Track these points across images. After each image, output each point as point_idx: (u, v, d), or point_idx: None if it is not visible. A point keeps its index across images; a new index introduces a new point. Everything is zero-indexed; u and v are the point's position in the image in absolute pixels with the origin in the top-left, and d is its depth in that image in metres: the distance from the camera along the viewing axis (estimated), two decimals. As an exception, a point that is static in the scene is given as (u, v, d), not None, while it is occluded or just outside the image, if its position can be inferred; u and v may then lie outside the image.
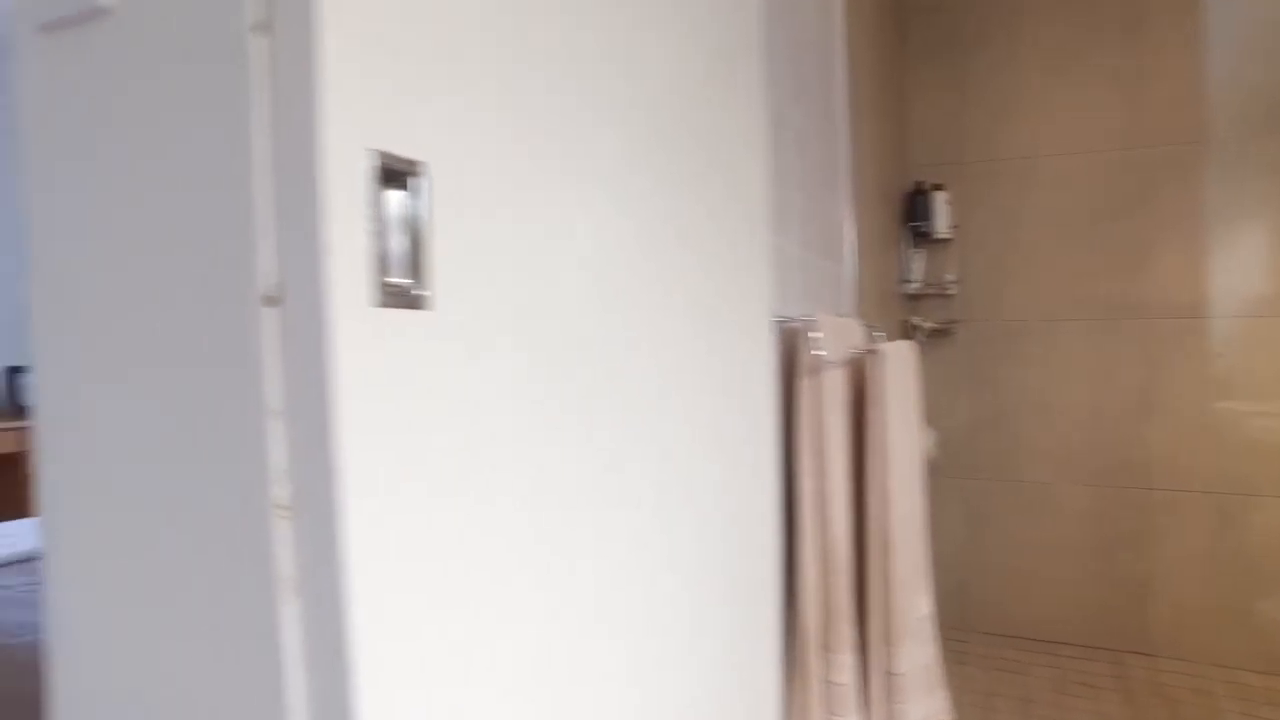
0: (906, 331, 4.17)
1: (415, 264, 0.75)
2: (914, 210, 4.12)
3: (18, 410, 4.48)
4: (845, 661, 1.81)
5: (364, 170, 0.70)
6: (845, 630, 1.81)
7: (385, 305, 0.72)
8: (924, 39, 4.25)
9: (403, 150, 0.74)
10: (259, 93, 0.68)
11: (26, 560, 2.27)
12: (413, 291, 0.75)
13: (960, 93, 4.16)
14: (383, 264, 0.72)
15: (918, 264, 4.26)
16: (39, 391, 0.82)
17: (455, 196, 0.80)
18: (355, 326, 0.69)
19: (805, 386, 1.79)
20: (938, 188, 4.12)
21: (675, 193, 1.28)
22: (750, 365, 1.60)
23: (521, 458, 0.88)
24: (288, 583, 0.68)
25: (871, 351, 1.91)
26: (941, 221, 4.10)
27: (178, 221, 0.72)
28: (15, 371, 4.48)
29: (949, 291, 4.23)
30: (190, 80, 0.70)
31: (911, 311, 4.29)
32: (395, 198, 0.73)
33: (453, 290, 0.80)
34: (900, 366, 1.95)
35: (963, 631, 4.20)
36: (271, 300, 0.69)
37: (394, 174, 0.73)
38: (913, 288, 4.25)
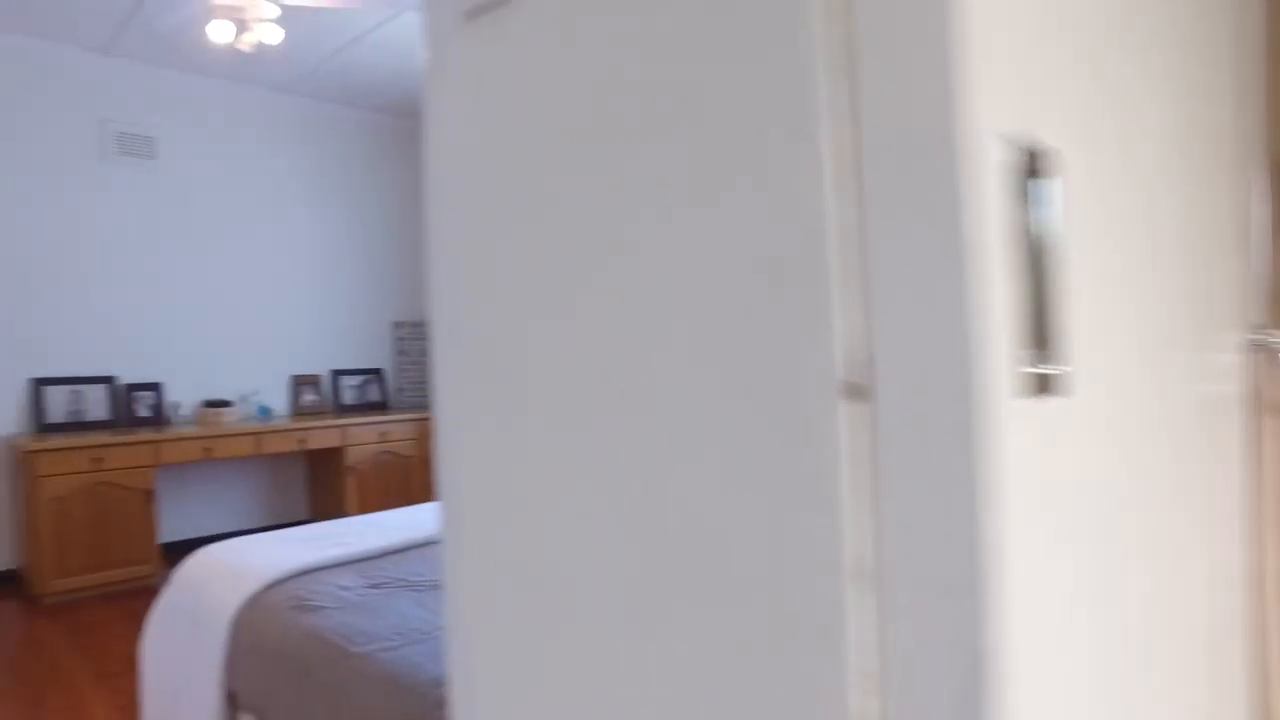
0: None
1: (1045, 320, 0.47)
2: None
3: (341, 409, 4.95)
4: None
5: (1000, 173, 0.43)
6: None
7: (1023, 392, 0.44)
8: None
9: (1041, 141, 0.46)
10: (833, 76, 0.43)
11: (373, 558, 2.32)
12: (1049, 367, 0.46)
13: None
14: (1025, 328, 0.45)
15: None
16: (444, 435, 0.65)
17: (1090, 215, 0.51)
18: (994, 425, 0.42)
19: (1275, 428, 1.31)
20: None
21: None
22: (1218, 400, 1.17)
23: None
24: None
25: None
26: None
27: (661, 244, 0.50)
28: (339, 375, 4.96)
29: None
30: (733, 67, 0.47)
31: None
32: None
33: (1093, 355, 0.51)
34: None
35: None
36: (857, 391, 0.44)
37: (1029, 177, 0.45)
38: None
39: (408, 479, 4.83)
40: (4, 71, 3.95)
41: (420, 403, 5.36)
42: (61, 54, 4.07)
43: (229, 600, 1.87)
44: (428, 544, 2.23)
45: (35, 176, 4.04)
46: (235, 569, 2.02)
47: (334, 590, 1.85)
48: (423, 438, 4.88)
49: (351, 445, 4.58)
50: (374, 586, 1.90)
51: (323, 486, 4.85)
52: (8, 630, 3.41)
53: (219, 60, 4.27)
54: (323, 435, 4.47)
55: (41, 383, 4.03)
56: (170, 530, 4.39)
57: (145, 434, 3.96)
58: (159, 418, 4.33)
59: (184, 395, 4.49)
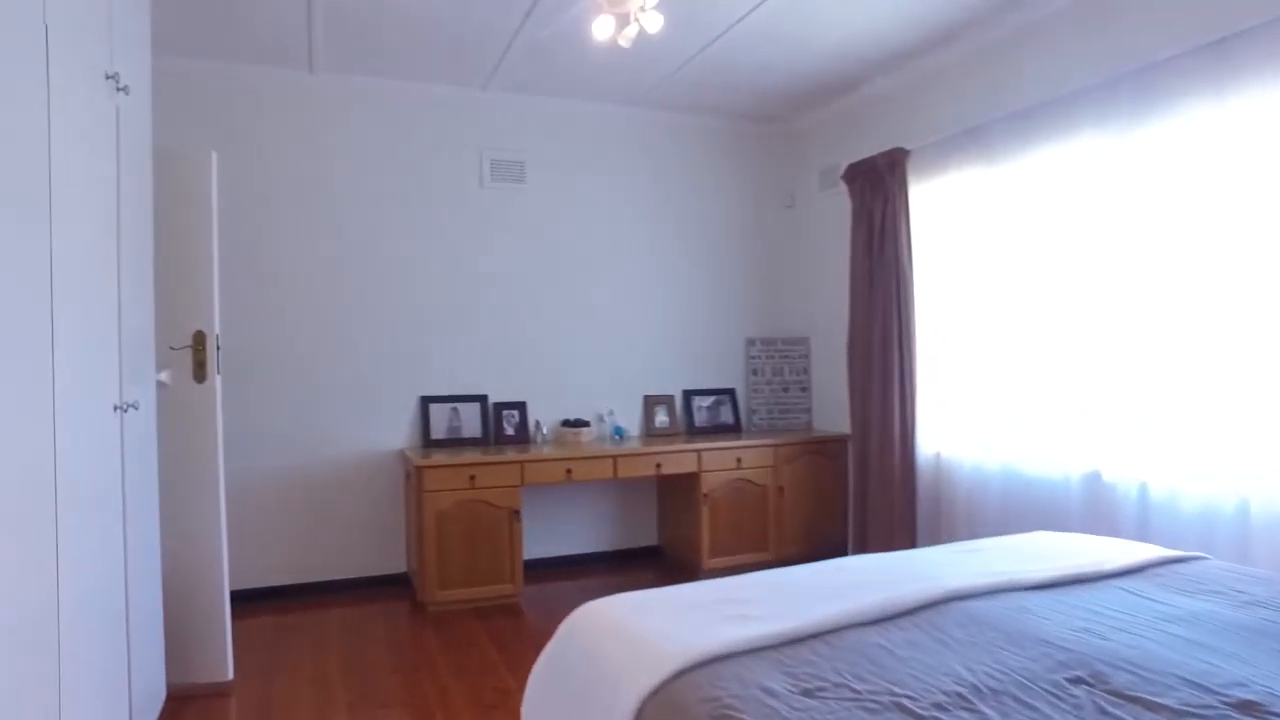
0: None
1: None
2: None
3: (692, 431, 4.69)
4: None
5: None
6: None
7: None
8: None
9: None
10: None
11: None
12: None
13: None
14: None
15: None
16: None
17: None
18: None
19: None
20: None
21: None
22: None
23: None
24: None
25: None
26: None
27: None
28: (691, 395, 4.72)
29: None
30: None
31: None
32: None
33: None
34: None
35: None
36: None
37: None
38: None
39: (762, 512, 4.41)
40: (401, 112, 4.23)
41: (774, 425, 4.94)
42: (448, 94, 4.28)
43: (629, 687, 1.50)
44: (850, 627, 1.71)
45: (422, 208, 4.27)
46: (634, 640, 1.67)
47: (758, 697, 1.39)
48: (779, 466, 4.44)
49: (707, 471, 4.27)
50: (807, 694, 1.41)
51: (674, 514, 4.60)
52: (401, 633, 3.54)
53: (583, 79, 4.22)
54: (677, 460, 4.21)
55: (428, 400, 4.23)
56: (527, 548, 4.41)
57: (512, 453, 3.97)
58: (523, 436, 4.36)
59: (545, 414, 4.50)
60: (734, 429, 4.87)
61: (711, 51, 3.91)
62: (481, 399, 4.33)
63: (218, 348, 2.82)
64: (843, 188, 4.54)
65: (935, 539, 3.87)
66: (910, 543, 3.95)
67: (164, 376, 2.72)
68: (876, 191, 4.19)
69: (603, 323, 4.66)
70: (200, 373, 2.78)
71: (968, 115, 3.74)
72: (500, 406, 4.36)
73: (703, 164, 4.93)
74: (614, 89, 4.42)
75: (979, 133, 3.64)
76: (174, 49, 3.67)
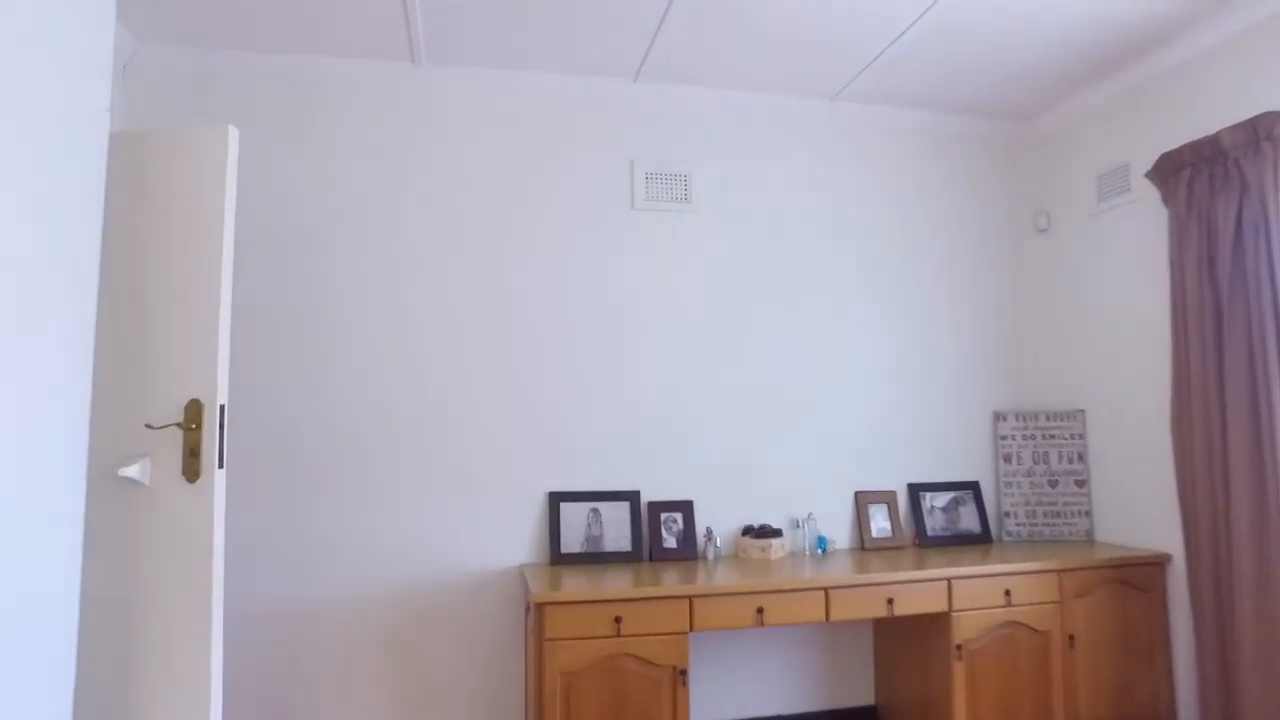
0: None
1: None
2: None
3: (925, 541, 3.30)
4: None
5: None
6: None
7: None
8: None
9: None
10: None
11: None
12: None
13: None
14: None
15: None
16: None
17: None
18: None
19: None
20: None
21: None
22: None
23: None
24: None
25: None
26: None
27: None
28: (919, 491, 3.36)
29: None
30: None
31: None
32: None
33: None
34: None
35: None
36: None
37: None
38: None
39: (1044, 672, 2.92)
40: (521, 112, 3.24)
41: (1038, 535, 3.45)
42: (586, 88, 3.27)
43: None
44: None
45: (550, 237, 3.22)
46: None
47: None
48: (1065, 601, 2.95)
49: (962, 611, 2.85)
50: None
51: (904, 666, 3.18)
52: None
53: (763, 65, 3.10)
54: (919, 593, 2.82)
55: (558, 498, 3.09)
56: (696, 708, 3.12)
57: (675, 581, 2.73)
58: (689, 549, 3.12)
59: (719, 518, 3.26)
60: (981, 539, 3.43)
61: (930, 23, 2.69)
62: (632, 497, 3.15)
63: (222, 426, 1.79)
64: (1139, 194, 3.14)
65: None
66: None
67: (134, 472, 1.72)
68: (1223, 185, 2.76)
69: (796, 392, 3.39)
70: (192, 465, 1.75)
71: None
72: (657, 508, 3.16)
73: (924, 177, 3.65)
74: (805, 78, 3.26)
75: None
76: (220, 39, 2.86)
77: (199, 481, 1.75)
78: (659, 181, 3.33)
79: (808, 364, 3.42)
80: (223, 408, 1.79)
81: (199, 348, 1.77)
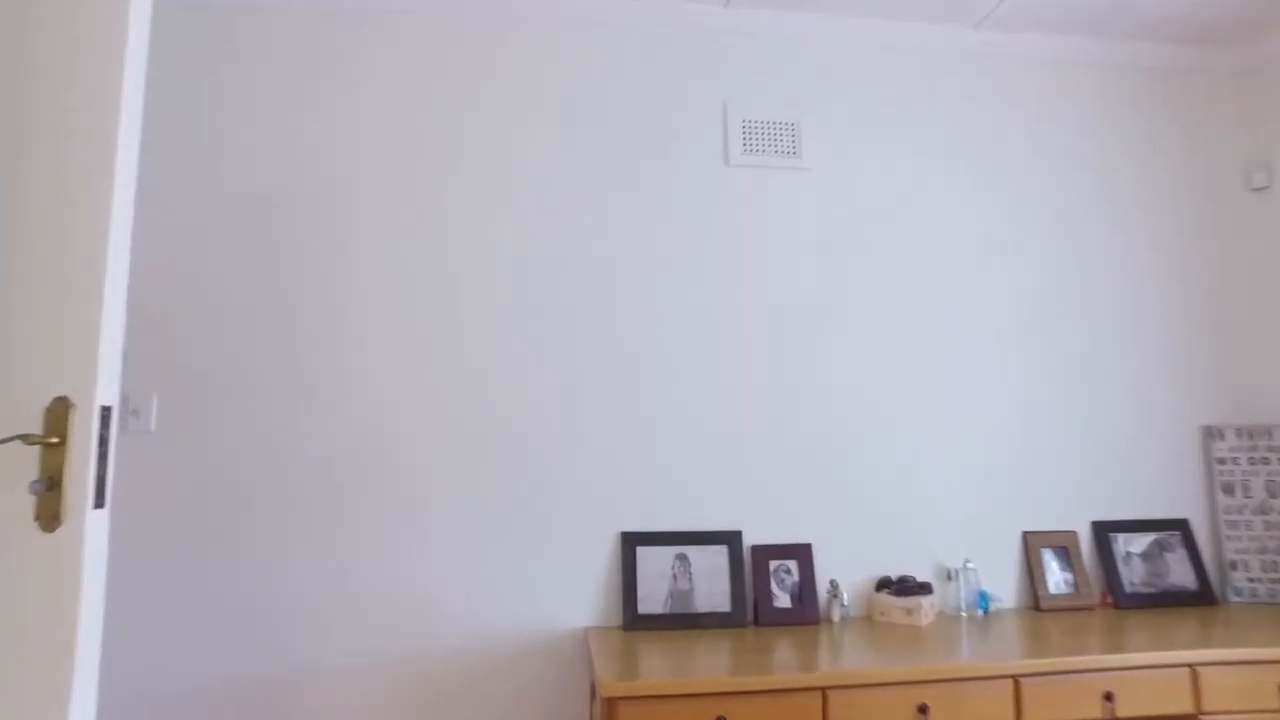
0: None
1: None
2: None
3: (1121, 598, 2.45)
4: None
5: None
6: None
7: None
8: None
9: None
10: None
11: None
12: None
13: None
14: None
15: None
16: None
17: None
18: None
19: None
20: None
21: None
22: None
23: None
24: None
25: None
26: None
27: None
28: (1106, 531, 2.50)
29: None
30: None
31: None
32: None
33: None
34: None
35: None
36: None
37: None
38: None
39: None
40: (584, 47, 2.56)
41: (1278, 593, 2.56)
42: (667, 12, 2.57)
43: None
44: None
45: (624, 202, 2.51)
46: None
47: None
48: (1351, 694, 2.06)
49: (1212, 716, 1.99)
50: None
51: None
52: None
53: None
54: (1146, 683, 1.97)
55: (634, 540, 2.35)
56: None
57: (793, 666, 1.95)
58: (808, 609, 2.34)
59: (845, 566, 2.47)
60: (1198, 598, 2.55)
61: None
62: (730, 539, 2.39)
63: (104, 441, 1.12)
64: None
65: None
66: None
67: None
68: None
69: (942, 401, 2.59)
70: (49, 504, 1.08)
71: None
72: (765, 553, 2.39)
73: (1098, 122, 2.83)
74: (940, 1, 2.50)
75: None
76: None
77: (60, 530, 1.07)
78: (760, 131, 2.60)
79: (954, 365, 2.62)
80: (107, 411, 1.12)
81: (70, 311, 1.11)
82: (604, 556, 2.35)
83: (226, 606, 2.17)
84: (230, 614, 2.17)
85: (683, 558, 2.33)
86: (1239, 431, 2.69)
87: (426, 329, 2.35)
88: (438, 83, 2.46)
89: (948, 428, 2.58)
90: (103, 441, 1.11)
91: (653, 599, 2.28)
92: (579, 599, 2.32)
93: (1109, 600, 2.54)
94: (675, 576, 2.31)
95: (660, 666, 1.88)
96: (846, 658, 1.95)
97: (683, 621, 2.27)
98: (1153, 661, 1.97)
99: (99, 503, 1.11)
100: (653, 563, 2.32)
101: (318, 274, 2.33)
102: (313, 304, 2.32)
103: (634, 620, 2.26)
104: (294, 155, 2.37)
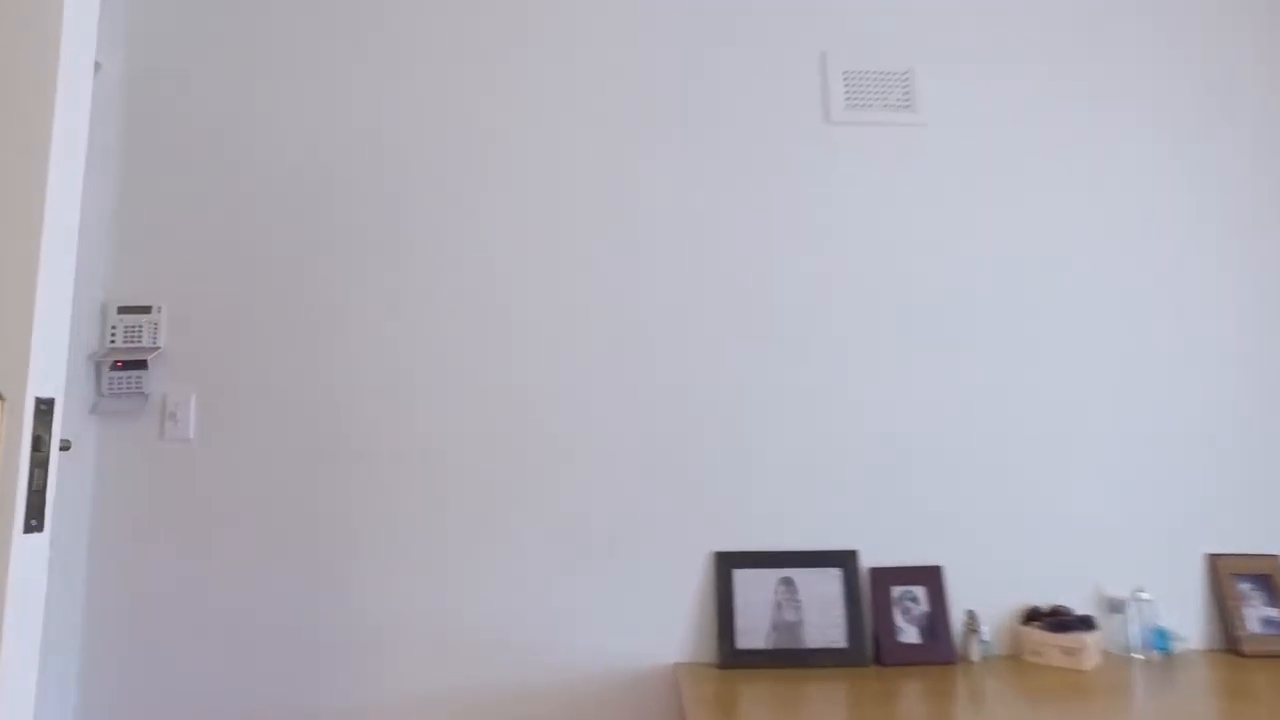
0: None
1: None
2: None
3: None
4: None
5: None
6: None
7: None
8: None
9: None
10: None
11: None
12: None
13: None
14: None
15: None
16: None
17: None
18: None
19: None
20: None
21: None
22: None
23: None
24: None
25: None
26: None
27: None
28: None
29: None
30: None
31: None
32: None
33: None
34: None
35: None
36: None
37: None
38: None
39: None
40: (672, -2, 2.25)
41: None
42: (756, -45, 2.24)
43: None
44: None
45: (707, 167, 2.18)
46: None
47: None
48: None
49: None
50: None
51: None
52: None
53: None
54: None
55: (729, 562, 2.01)
56: None
57: (930, 717, 1.58)
58: (941, 646, 1.95)
59: (984, 593, 2.06)
60: None
61: None
62: (844, 560, 2.02)
63: (39, 441, 0.87)
64: None
65: None
66: None
67: None
68: None
69: (1101, 397, 2.15)
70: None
71: None
72: (886, 577, 2.01)
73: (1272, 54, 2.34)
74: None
75: None
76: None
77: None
78: (865, 82, 2.23)
79: (1115, 354, 2.18)
80: (46, 405, 0.87)
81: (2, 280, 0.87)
82: (695, 580, 2.02)
83: (276, 638, 1.95)
84: (279, 644, 1.95)
85: (788, 582, 1.98)
86: None
87: (494, 331, 2.09)
88: (515, 51, 2.21)
89: (1108, 426, 2.14)
90: (38, 446, 0.86)
91: (753, 632, 1.94)
92: (666, 628, 2.00)
93: (1323, 639, 2.05)
94: (779, 604, 1.96)
95: (765, 715, 1.54)
96: (997, 711, 1.56)
97: (790, 659, 1.91)
98: None
99: (33, 525, 0.86)
100: (752, 588, 1.98)
101: (369, 273, 2.10)
102: (372, 306, 2.09)
103: (731, 656, 1.92)
104: (341, 151, 2.15)
